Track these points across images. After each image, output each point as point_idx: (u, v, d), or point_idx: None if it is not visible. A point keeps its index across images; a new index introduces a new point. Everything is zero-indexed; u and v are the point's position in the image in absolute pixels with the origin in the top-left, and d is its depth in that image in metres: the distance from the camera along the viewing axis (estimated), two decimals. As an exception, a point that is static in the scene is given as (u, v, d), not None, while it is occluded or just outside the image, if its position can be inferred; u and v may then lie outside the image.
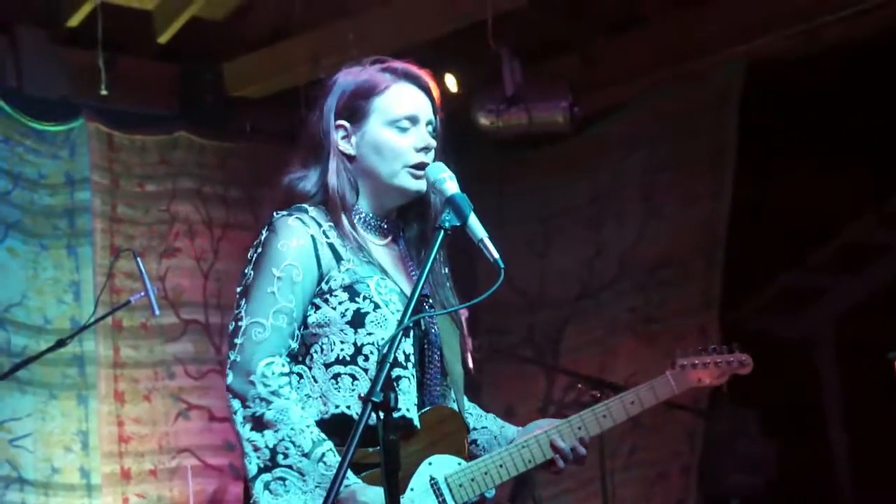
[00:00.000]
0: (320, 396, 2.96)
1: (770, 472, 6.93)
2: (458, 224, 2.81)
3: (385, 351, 2.62)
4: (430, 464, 2.99)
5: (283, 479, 2.86)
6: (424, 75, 3.15)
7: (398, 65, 3.13)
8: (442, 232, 2.81)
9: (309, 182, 3.08)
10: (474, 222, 2.82)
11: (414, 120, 3.08)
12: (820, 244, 7.13)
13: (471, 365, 3.19)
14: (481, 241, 2.80)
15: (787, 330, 7.37)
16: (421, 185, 3.06)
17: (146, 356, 6.43)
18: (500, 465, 3.08)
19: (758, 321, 7.18)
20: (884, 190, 6.67)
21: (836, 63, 6.39)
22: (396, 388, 2.94)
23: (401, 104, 3.08)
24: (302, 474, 2.86)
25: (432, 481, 2.98)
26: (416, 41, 6.10)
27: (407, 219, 3.17)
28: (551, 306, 7.27)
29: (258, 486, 2.87)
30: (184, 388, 6.52)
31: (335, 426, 2.92)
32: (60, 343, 5.14)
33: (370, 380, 2.94)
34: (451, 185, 2.89)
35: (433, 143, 3.09)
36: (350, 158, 3.09)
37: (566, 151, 7.23)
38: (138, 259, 5.28)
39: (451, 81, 6.40)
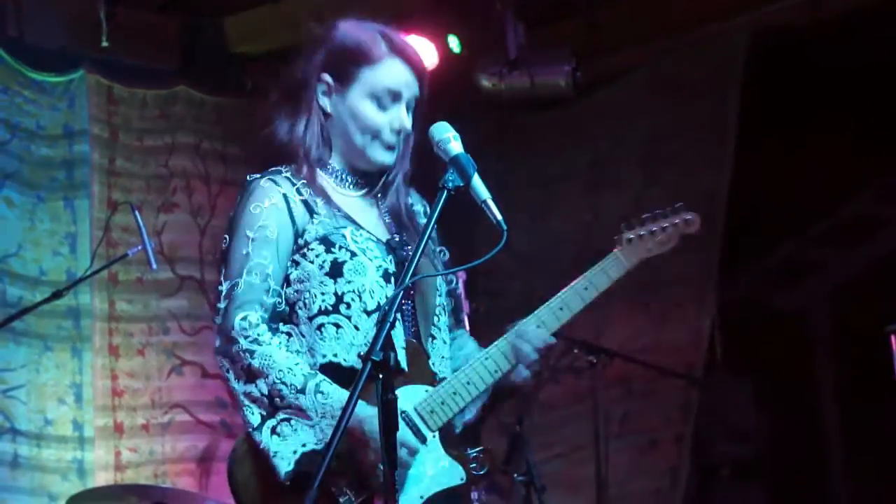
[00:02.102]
0: (309, 350, 2.99)
1: (761, 442, 6.94)
2: (461, 185, 2.80)
3: (385, 310, 2.62)
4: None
5: (288, 420, 2.88)
6: (419, 57, 3.15)
7: (397, 38, 3.14)
8: (445, 192, 2.79)
9: (283, 130, 3.12)
10: (478, 183, 2.81)
11: (396, 97, 3.10)
12: (820, 216, 7.12)
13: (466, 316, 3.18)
14: (484, 202, 2.80)
15: (783, 301, 7.36)
16: (389, 159, 3.11)
17: (141, 311, 6.40)
18: (468, 382, 3.05)
19: (755, 292, 7.17)
20: (885, 163, 6.65)
21: (840, 34, 6.37)
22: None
23: (388, 79, 3.09)
24: (303, 410, 2.86)
25: (403, 415, 2.93)
26: (420, 2, 6.05)
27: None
28: (549, 271, 7.25)
29: (265, 434, 2.88)
30: (178, 344, 6.50)
31: (326, 375, 2.93)
32: (56, 295, 5.13)
33: (354, 327, 2.96)
34: (455, 146, 2.87)
35: (408, 126, 3.11)
36: (326, 115, 3.12)
37: (568, 116, 7.19)
38: (136, 212, 5.26)
39: (454, 43, 6.36)
